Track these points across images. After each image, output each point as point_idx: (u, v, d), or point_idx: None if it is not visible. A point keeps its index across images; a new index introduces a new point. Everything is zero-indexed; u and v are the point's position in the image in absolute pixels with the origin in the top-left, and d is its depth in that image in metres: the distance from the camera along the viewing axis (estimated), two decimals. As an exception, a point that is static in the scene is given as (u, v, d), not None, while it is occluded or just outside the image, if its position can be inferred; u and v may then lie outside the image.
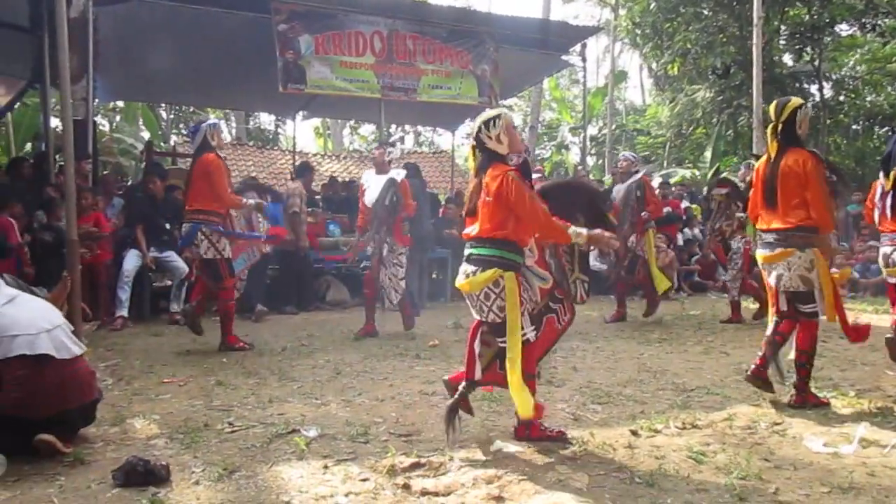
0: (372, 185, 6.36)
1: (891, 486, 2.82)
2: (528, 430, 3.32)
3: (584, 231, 3.24)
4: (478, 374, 3.38)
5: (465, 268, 3.29)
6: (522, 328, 3.19)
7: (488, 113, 3.38)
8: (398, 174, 6.36)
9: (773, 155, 4.00)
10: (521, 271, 3.25)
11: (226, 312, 5.66)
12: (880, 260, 5.04)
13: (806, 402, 4.00)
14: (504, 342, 3.22)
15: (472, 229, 3.32)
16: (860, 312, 8.22)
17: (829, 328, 6.58)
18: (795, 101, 4.04)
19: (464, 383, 3.39)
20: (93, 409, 3.34)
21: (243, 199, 5.74)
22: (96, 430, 3.44)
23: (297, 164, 10.14)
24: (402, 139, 27.21)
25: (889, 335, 4.96)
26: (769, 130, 4.03)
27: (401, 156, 11.58)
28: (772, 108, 4.05)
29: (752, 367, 4.14)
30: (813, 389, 4.21)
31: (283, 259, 8.22)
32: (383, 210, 6.25)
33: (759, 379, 4.10)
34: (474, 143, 3.36)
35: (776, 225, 3.99)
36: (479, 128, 3.31)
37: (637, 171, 7.46)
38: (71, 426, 3.22)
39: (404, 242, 6.47)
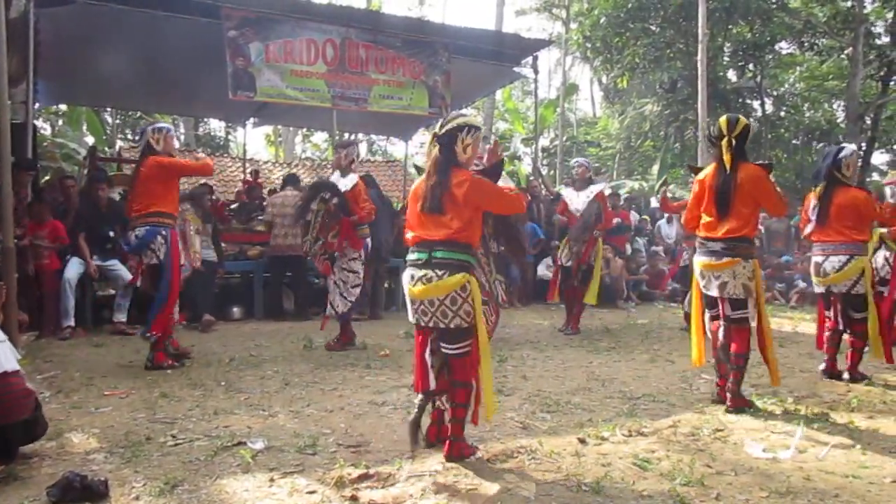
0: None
1: (825, 490, 2.92)
2: (461, 451, 3.21)
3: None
4: (432, 384, 3.30)
5: (425, 272, 3.12)
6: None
7: (471, 120, 3.28)
8: (351, 180, 6.21)
9: (728, 167, 4.13)
10: None
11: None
12: (811, 269, 5.22)
13: (740, 406, 4.12)
14: (457, 348, 3.19)
15: (431, 232, 3.17)
16: (799, 321, 8.52)
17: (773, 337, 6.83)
18: (744, 119, 4.21)
19: (420, 396, 3.30)
20: (29, 428, 3.19)
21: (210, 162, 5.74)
22: (31, 445, 3.30)
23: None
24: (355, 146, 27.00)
25: (822, 366, 5.21)
26: (724, 143, 4.14)
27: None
28: (723, 122, 4.18)
29: (717, 389, 4.33)
30: (753, 397, 4.36)
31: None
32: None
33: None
34: (439, 135, 3.20)
35: (725, 234, 4.12)
36: (458, 127, 3.19)
37: (595, 182, 7.55)
38: (5, 444, 3.08)
39: (356, 246, 6.21)
